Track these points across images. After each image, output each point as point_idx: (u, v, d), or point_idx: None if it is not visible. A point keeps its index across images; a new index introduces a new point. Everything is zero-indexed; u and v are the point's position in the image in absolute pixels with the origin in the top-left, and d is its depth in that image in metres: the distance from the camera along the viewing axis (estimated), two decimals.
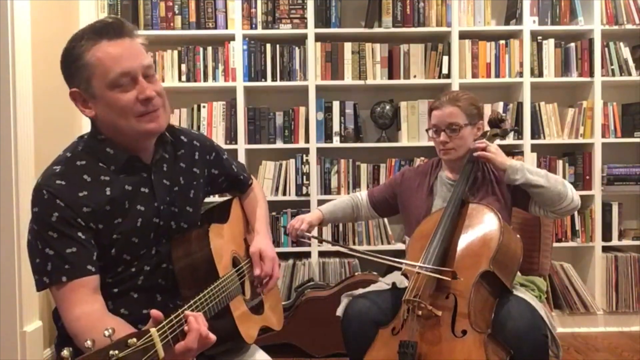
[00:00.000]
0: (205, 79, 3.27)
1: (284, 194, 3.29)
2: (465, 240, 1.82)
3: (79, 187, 1.23)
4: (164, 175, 1.37)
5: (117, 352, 0.86)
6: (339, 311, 1.94)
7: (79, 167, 1.26)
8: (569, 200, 1.87)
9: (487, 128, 2.13)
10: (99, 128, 1.29)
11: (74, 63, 1.22)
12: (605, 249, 3.33)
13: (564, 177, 3.32)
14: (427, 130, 2.13)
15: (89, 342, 0.85)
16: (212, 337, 1.06)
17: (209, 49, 3.28)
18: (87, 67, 1.20)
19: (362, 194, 2.28)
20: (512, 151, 3.32)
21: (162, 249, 1.35)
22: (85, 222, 1.21)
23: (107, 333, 0.88)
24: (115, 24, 1.22)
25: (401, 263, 1.82)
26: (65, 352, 0.83)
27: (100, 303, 1.20)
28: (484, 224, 1.82)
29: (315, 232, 3.26)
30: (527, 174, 1.86)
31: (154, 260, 1.34)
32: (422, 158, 3.28)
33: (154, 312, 1.00)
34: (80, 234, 1.20)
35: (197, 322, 1.04)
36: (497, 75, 3.30)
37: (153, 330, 0.94)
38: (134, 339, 0.89)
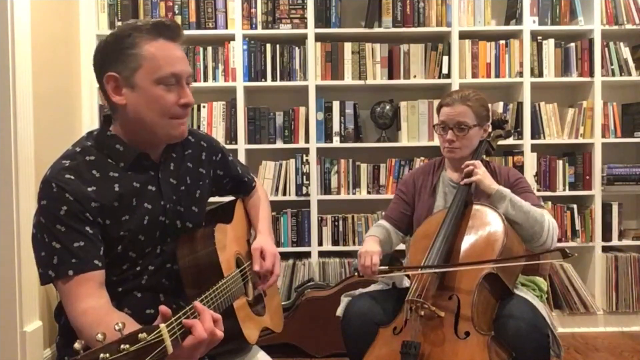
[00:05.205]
0: (205, 79, 3.27)
1: (284, 194, 3.29)
2: (468, 241, 1.81)
3: (88, 182, 1.23)
4: (171, 174, 1.39)
5: (127, 345, 0.86)
6: (339, 311, 1.94)
7: (88, 162, 1.27)
8: (540, 243, 1.83)
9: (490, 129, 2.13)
10: (118, 119, 1.31)
11: (125, 50, 1.24)
12: (605, 249, 3.33)
13: (564, 177, 3.33)
14: (434, 126, 2.11)
15: (99, 336, 0.85)
16: (220, 333, 1.05)
17: (209, 49, 3.27)
18: (137, 58, 1.23)
19: (383, 222, 2.12)
20: (512, 151, 3.32)
21: (167, 248, 1.36)
22: (93, 217, 1.22)
23: (117, 327, 0.88)
24: (174, 27, 1.28)
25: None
26: (77, 345, 0.83)
27: (106, 298, 1.20)
28: (488, 226, 1.81)
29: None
30: (509, 207, 1.83)
31: (158, 260, 1.34)
32: (422, 158, 3.28)
33: (163, 308, 0.99)
34: (88, 228, 1.20)
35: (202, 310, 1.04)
36: (497, 75, 3.30)
37: (162, 326, 0.94)
38: (144, 334, 0.89)
